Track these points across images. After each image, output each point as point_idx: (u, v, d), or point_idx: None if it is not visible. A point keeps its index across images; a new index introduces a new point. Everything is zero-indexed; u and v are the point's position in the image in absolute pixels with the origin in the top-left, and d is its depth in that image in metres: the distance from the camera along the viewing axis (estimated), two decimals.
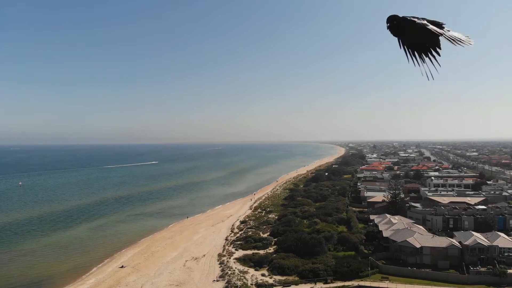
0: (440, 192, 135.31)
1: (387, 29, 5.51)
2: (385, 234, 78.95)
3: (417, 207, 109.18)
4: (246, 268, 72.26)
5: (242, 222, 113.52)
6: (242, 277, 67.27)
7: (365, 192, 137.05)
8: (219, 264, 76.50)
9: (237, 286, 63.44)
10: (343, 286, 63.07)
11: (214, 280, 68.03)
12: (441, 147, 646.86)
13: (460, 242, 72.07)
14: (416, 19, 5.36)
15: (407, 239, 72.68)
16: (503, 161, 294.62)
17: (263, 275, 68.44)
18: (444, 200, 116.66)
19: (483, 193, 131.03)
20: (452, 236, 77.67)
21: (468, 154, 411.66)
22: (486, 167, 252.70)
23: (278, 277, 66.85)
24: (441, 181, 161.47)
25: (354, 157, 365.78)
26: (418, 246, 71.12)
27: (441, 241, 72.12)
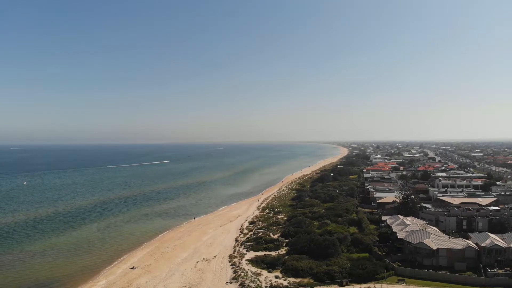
0: (450, 192, 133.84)
1: None
2: (399, 235, 77.62)
3: (428, 208, 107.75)
4: (258, 270, 71.12)
5: (251, 223, 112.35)
6: (256, 279, 66.07)
7: (374, 193, 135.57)
8: (231, 265, 75.34)
9: None
10: None
11: (227, 282, 66.85)
12: (444, 147, 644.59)
13: (476, 244, 70.80)
14: None
15: (423, 241, 71.34)
16: (508, 162, 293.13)
17: (276, 277, 67.23)
18: (455, 201, 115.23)
19: (494, 193, 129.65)
20: (467, 238, 76.36)
21: (472, 154, 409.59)
22: (493, 167, 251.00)
23: (292, 279, 65.62)
24: (449, 182, 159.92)
25: (358, 158, 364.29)
26: (434, 248, 69.79)
27: (458, 243, 70.79)
